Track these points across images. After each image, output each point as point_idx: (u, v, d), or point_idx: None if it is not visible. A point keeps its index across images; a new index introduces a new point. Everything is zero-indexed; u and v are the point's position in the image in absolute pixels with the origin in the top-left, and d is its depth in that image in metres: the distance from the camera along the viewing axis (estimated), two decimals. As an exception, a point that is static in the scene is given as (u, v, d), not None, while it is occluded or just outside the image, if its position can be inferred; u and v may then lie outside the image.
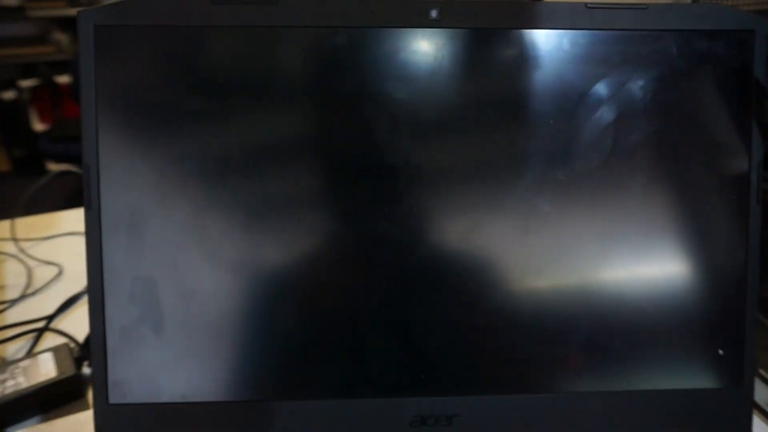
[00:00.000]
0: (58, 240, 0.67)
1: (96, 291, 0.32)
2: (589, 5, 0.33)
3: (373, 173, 0.33)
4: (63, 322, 0.54)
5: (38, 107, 2.28)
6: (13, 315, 0.55)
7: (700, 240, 0.36)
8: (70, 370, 0.45)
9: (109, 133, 0.32)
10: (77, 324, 0.54)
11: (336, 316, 0.34)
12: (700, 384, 0.36)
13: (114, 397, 0.33)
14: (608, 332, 0.36)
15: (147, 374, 0.33)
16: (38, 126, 2.26)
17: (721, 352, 0.36)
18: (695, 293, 0.36)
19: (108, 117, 0.32)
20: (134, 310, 0.33)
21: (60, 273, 0.61)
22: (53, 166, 2.23)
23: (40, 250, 0.65)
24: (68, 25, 2.25)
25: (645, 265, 0.36)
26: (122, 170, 0.32)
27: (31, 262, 0.63)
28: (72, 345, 0.48)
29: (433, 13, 0.33)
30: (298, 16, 0.32)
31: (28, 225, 0.69)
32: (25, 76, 2.25)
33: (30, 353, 0.49)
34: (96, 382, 0.33)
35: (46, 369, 0.45)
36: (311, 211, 0.34)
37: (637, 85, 0.34)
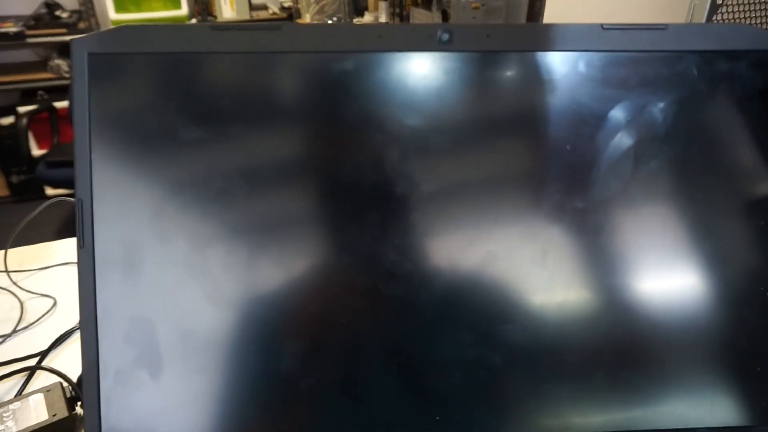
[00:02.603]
0: (52, 271, 0.65)
1: (89, 332, 0.30)
2: (605, 26, 0.32)
3: (383, 204, 0.32)
4: (57, 358, 0.52)
5: (36, 133, 2.27)
6: (6, 351, 0.53)
7: (728, 268, 0.34)
8: (62, 412, 0.43)
9: (103, 166, 0.30)
10: (71, 360, 0.51)
11: (344, 355, 0.32)
12: (732, 421, 0.34)
13: (108, 446, 0.31)
14: (634, 367, 0.34)
15: (143, 420, 0.31)
16: (36, 151, 2.25)
17: (754, 386, 0.34)
18: (725, 324, 0.34)
19: (103, 149, 0.30)
20: (130, 352, 0.31)
21: (54, 305, 0.59)
22: (50, 191, 2.21)
23: (34, 282, 0.63)
24: (68, 51, 2.25)
25: (671, 295, 0.34)
26: (117, 204, 0.30)
27: (24, 295, 0.61)
28: (65, 384, 0.46)
29: (444, 36, 0.31)
30: (303, 41, 0.31)
31: (21, 255, 0.67)
32: (24, 102, 2.24)
33: (20, 394, 0.46)
34: (88, 429, 0.31)
35: (37, 412, 0.43)
36: (318, 245, 0.32)
37: (656, 109, 0.33)
